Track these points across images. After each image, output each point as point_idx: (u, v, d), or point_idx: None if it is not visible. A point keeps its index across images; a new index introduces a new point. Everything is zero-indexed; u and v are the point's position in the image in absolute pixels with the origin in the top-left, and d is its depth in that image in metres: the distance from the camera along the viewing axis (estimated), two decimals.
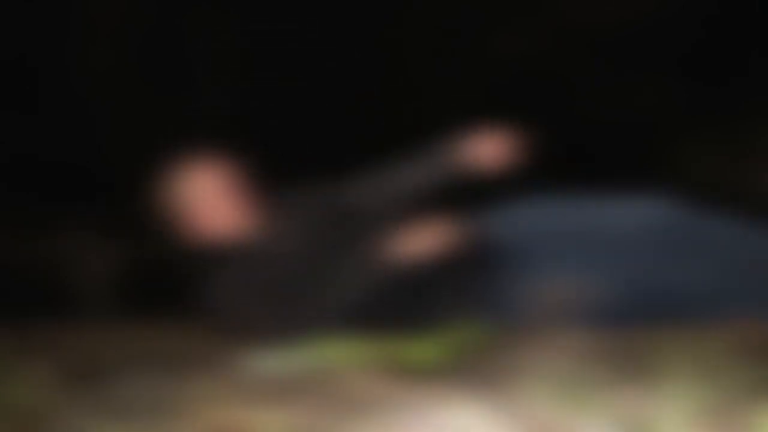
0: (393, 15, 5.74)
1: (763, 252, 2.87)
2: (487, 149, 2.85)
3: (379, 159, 3.00)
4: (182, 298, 3.07)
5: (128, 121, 5.68)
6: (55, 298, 4.72)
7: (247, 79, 5.56)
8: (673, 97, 5.50)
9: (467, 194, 2.90)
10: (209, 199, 2.94)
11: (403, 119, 5.51)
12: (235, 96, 5.58)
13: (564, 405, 1.77)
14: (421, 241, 2.86)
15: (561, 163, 4.71)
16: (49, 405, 1.93)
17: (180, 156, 2.99)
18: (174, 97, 5.55)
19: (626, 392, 1.86)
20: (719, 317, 2.69)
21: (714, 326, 2.60)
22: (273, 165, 3.04)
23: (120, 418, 1.84)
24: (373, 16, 5.65)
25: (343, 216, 2.93)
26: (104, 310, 4.60)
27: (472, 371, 2.20)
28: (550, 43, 5.60)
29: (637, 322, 2.67)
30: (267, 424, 1.76)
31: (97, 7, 5.72)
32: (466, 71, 5.70)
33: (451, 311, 2.73)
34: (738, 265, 2.84)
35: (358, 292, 2.84)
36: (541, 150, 3.03)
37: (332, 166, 3.08)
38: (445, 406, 1.85)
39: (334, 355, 2.48)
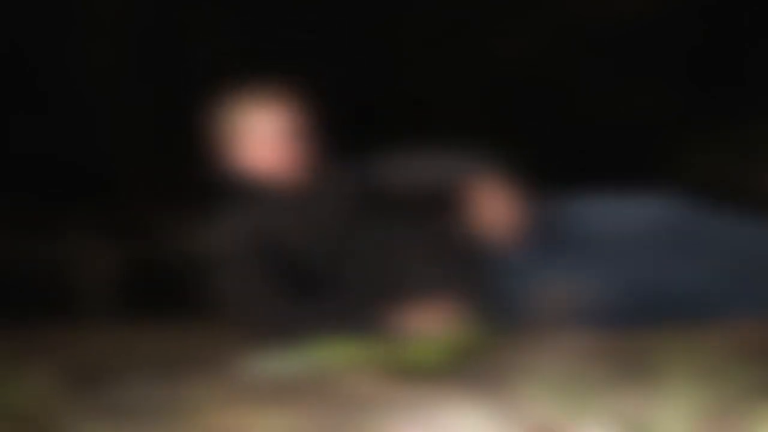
0: (393, 15, 5.75)
1: (763, 252, 2.87)
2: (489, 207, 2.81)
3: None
4: (183, 299, 3.06)
5: (129, 120, 5.68)
6: (56, 301, 4.71)
7: (246, 77, 5.55)
8: (674, 97, 5.50)
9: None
10: (263, 134, 2.85)
11: (402, 119, 5.51)
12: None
13: (564, 407, 1.77)
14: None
15: (561, 164, 4.71)
16: (50, 408, 1.93)
17: (242, 86, 2.92)
18: (174, 96, 5.56)
19: (627, 394, 1.86)
20: (720, 318, 2.69)
21: (715, 327, 2.60)
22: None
23: (121, 421, 1.84)
24: (373, 17, 5.66)
25: (370, 196, 2.87)
26: (105, 312, 4.60)
27: (473, 373, 2.20)
28: (550, 45, 5.61)
29: (638, 323, 2.67)
30: (268, 427, 1.76)
31: (98, 6, 5.72)
32: (467, 73, 5.70)
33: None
34: (739, 265, 2.84)
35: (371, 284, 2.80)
36: (542, 150, 3.02)
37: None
38: (445, 407, 1.85)
39: (335, 357, 2.48)
